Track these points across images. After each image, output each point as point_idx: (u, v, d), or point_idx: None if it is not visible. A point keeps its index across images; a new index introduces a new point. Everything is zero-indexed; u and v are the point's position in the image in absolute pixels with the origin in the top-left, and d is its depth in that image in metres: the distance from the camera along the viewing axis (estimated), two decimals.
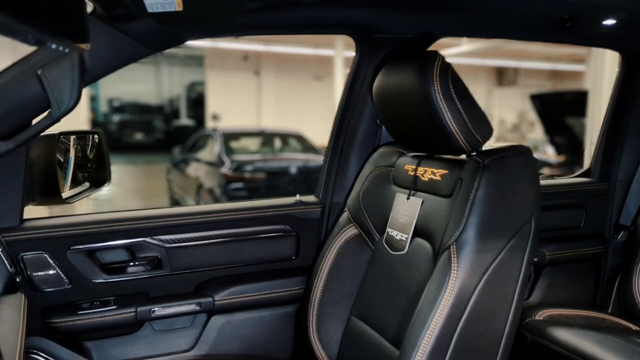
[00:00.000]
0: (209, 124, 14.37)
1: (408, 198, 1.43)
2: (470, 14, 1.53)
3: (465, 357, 1.15)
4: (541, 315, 1.88)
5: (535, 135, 15.12)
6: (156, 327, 1.63)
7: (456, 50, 11.73)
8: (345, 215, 1.64)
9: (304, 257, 1.75)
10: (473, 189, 1.19)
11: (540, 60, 15.65)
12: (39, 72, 1.21)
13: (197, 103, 17.86)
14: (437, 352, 1.13)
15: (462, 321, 1.14)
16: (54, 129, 1.42)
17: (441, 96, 1.23)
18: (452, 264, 1.15)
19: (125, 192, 10.62)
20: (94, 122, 16.69)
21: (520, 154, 1.25)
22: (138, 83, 19.46)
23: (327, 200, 1.78)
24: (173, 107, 20.09)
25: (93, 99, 17.57)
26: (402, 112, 1.37)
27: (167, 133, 17.91)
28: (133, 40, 1.30)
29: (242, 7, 1.24)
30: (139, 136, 17.32)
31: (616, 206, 2.16)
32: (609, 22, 1.62)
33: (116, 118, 17.88)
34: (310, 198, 1.82)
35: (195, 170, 8.29)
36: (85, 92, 12.72)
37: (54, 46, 0.79)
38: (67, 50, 0.98)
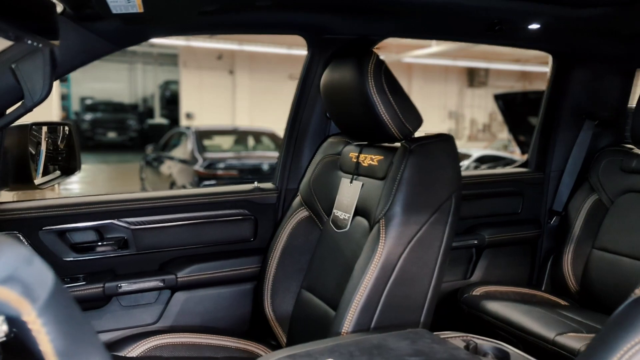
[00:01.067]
0: (183, 122, 14.39)
1: (351, 182, 1.60)
2: (406, 19, 1.71)
3: (392, 316, 1.32)
4: (478, 291, 2.07)
5: (505, 135, 15.53)
6: (123, 302, 1.76)
7: (427, 51, 12.01)
8: (298, 199, 1.80)
9: (261, 238, 1.91)
10: (400, 171, 1.36)
11: (510, 61, 16.08)
12: (12, 66, 1.34)
13: (171, 102, 17.83)
14: (367, 311, 1.30)
15: (389, 284, 1.31)
16: (27, 120, 1.54)
17: (375, 90, 1.40)
18: (381, 235, 1.32)
19: (97, 190, 10.60)
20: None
21: (442, 141, 1.43)
22: (111, 81, 19.30)
23: (282, 186, 1.94)
24: (147, 106, 20.00)
25: (64, 97, 17.39)
26: (344, 105, 1.54)
27: (140, 132, 17.83)
28: (100, 38, 1.44)
29: (197, 10, 1.39)
30: (112, 135, 17.21)
31: (550, 194, 2.37)
32: (534, 26, 1.82)
33: (88, 116, 17.73)
34: (268, 185, 1.98)
35: (168, 168, 8.36)
36: (56, 90, 12.61)
37: (29, 42, 0.93)
38: (40, 45, 1.11)
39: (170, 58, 17.33)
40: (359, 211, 1.53)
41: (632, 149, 2.15)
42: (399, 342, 1.18)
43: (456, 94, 18.01)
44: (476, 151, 9.73)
